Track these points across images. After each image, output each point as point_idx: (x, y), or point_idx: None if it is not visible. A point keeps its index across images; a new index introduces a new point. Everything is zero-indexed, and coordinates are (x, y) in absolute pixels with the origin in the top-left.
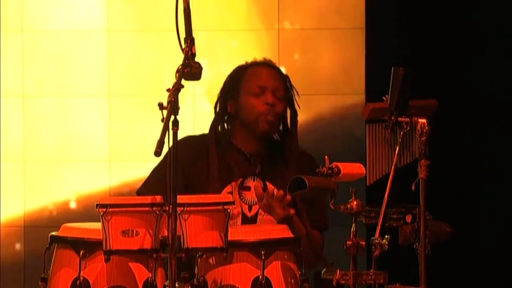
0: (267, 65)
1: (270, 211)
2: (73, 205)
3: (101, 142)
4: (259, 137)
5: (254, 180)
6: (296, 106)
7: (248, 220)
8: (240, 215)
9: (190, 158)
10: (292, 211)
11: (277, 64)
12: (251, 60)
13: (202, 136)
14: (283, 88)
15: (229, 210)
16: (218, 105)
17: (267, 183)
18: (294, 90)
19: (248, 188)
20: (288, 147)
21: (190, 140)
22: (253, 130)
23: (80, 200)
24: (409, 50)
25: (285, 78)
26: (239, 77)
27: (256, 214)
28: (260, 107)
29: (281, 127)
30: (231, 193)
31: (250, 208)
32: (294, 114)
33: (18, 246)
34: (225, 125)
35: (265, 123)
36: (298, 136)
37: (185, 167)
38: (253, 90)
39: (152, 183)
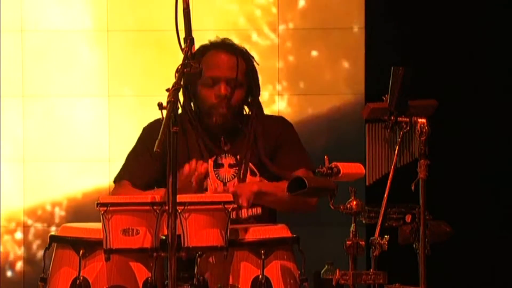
0: (224, 50)
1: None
2: (72, 205)
3: (101, 142)
4: (221, 130)
5: (226, 157)
6: (257, 85)
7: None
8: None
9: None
10: (244, 203)
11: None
12: (213, 39)
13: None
14: (241, 74)
15: (229, 209)
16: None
17: (238, 157)
18: (255, 69)
19: (222, 165)
20: (250, 123)
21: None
22: (209, 123)
23: (79, 200)
24: (409, 50)
25: (245, 60)
26: (198, 60)
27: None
28: (212, 99)
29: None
30: (207, 171)
31: (225, 185)
32: (257, 93)
33: (18, 245)
34: (192, 106)
35: (218, 115)
36: (298, 134)
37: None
38: (206, 81)
39: (130, 169)
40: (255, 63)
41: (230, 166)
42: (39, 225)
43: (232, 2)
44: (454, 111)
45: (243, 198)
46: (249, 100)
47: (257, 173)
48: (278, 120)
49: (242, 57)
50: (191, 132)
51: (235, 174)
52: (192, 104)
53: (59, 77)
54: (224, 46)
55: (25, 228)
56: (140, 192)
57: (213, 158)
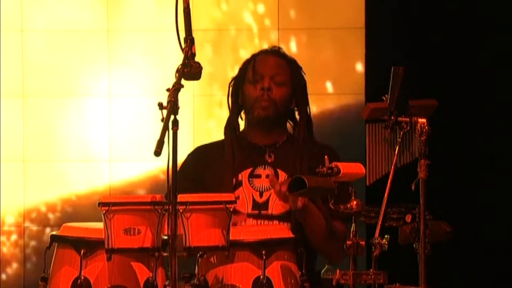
0: (271, 53)
1: (286, 198)
2: (73, 205)
3: (101, 142)
4: (264, 126)
5: (264, 169)
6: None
7: (259, 206)
8: (250, 202)
9: (200, 167)
10: (299, 203)
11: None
12: (260, 49)
13: (218, 142)
14: (285, 75)
15: (231, 209)
16: (229, 99)
17: (279, 171)
18: (303, 78)
19: (259, 176)
20: (297, 136)
21: (202, 148)
22: (251, 118)
23: (80, 200)
24: (408, 49)
25: (292, 66)
26: (244, 68)
27: (267, 200)
28: (256, 92)
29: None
30: (241, 181)
31: (261, 195)
32: (303, 102)
33: (18, 245)
34: (239, 119)
35: (259, 108)
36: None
37: (194, 176)
38: (251, 77)
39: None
40: (303, 74)
41: (268, 177)
42: (39, 225)
43: (232, 2)
44: (454, 111)
45: (300, 200)
46: (295, 108)
47: None
48: (327, 148)
49: (287, 61)
50: (228, 147)
51: (271, 185)
52: (239, 116)
53: (59, 77)
54: (272, 51)
55: (25, 228)
56: None
57: (250, 169)
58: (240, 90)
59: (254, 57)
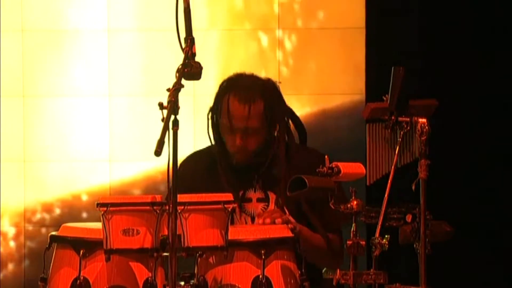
0: (238, 96)
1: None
2: (72, 205)
3: (101, 142)
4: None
5: (255, 191)
6: (281, 125)
7: None
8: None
9: (195, 177)
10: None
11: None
12: (233, 77)
13: (208, 148)
14: (256, 121)
15: (229, 209)
16: (209, 130)
17: (269, 194)
18: (276, 104)
19: (250, 200)
20: (278, 157)
21: (194, 157)
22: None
23: (79, 200)
24: (408, 49)
25: (264, 99)
26: (219, 102)
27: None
28: (231, 144)
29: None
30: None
31: (253, 219)
32: (282, 122)
33: (18, 245)
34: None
35: (238, 160)
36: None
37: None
38: (226, 126)
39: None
40: (278, 89)
41: (259, 200)
42: (39, 225)
43: (231, 2)
44: (454, 111)
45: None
46: (276, 134)
47: (287, 212)
48: (317, 157)
49: (258, 98)
50: (221, 166)
51: (264, 209)
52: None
53: (59, 77)
54: (239, 91)
55: (25, 228)
56: None
57: (241, 192)
58: (219, 123)
59: (223, 93)
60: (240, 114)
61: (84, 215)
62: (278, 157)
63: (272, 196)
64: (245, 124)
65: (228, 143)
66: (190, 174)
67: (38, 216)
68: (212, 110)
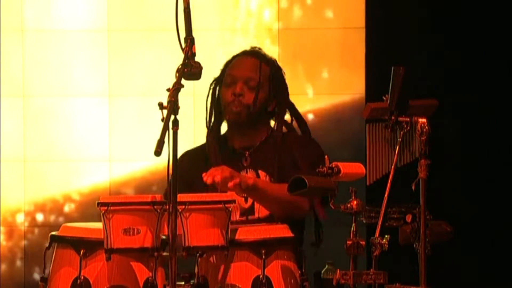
0: (249, 55)
1: (227, 189)
2: (73, 205)
3: (101, 142)
4: (237, 129)
5: (246, 172)
6: (283, 95)
7: (246, 212)
8: (238, 208)
9: (192, 171)
10: (230, 184)
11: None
12: (243, 50)
13: (202, 146)
14: (260, 78)
15: (230, 209)
16: (207, 99)
17: (260, 172)
18: (282, 78)
19: None
20: (275, 134)
21: (190, 152)
22: (226, 120)
23: (80, 200)
24: (408, 49)
25: (271, 67)
26: (223, 69)
27: (252, 205)
28: (228, 97)
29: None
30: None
31: (246, 200)
32: (282, 102)
33: (18, 245)
34: (217, 121)
35: (230, 113)
36: (298, 132)
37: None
38: (226, 80)
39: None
40: (283, 74)
41: None
42: (39, 225)
43: (231, 2)
44: (454, 111)
45: (236, 180)
46: (274, 109)
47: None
48: (316, 148)
49: (267, 63)
50: (213, 152)
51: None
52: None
53: (59, 77)
54: (251, 52)
55: (25, 228)
56: None
57: None
58: (219, 92)
59: (231, 60)
60: (248, 65)
61: (84, 215)
62: (273, 137)
63: (262, 175)
64: (249, 74)
65: (226, 95)
66: (186, 168)
67: (38, 216)
68: (216, 80)
